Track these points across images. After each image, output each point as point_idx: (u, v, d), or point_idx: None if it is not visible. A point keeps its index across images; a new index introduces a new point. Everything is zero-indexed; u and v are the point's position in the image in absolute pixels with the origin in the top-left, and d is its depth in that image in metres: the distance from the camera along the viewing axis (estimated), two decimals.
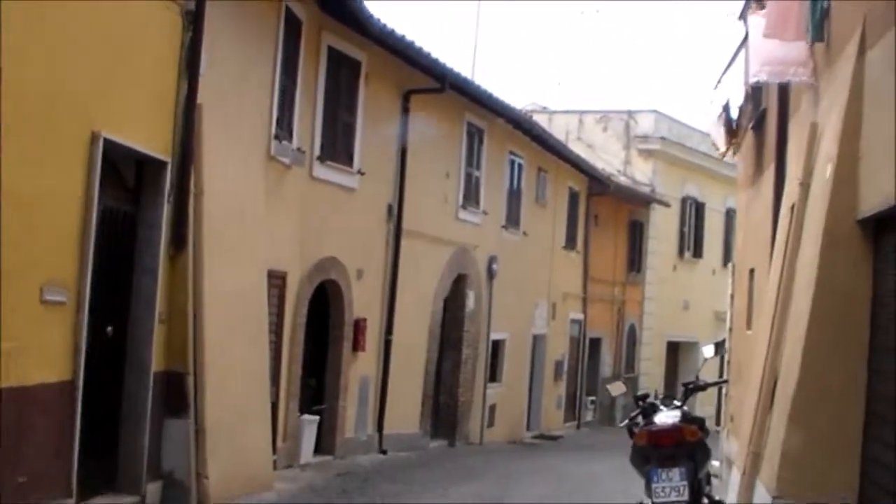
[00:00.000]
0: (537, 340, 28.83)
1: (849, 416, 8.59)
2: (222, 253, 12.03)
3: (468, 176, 23.07)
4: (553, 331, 29.86)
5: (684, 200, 39.15)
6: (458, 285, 23.13)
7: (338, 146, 17.57)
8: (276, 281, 15.30)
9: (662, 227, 37.76)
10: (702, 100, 73.74)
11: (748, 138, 17.04)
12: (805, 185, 10.25)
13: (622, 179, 34.98)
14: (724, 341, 10.29)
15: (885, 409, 8.21)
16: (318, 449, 17.43)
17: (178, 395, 11.12)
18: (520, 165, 26.48)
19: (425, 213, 20.93)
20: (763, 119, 15.93)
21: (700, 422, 9.21)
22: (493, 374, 25.60)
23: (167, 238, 11.08)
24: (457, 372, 23.27)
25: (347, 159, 17.84)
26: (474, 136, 23.36)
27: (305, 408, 16.89)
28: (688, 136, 39.20)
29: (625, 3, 70.93)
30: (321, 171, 16.94)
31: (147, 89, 10.73)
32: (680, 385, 10.00)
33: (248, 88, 13.43)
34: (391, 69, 19.09)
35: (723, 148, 17.41)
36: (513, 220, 26.19)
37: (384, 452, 19.41)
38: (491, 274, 24.57)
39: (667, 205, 36.97)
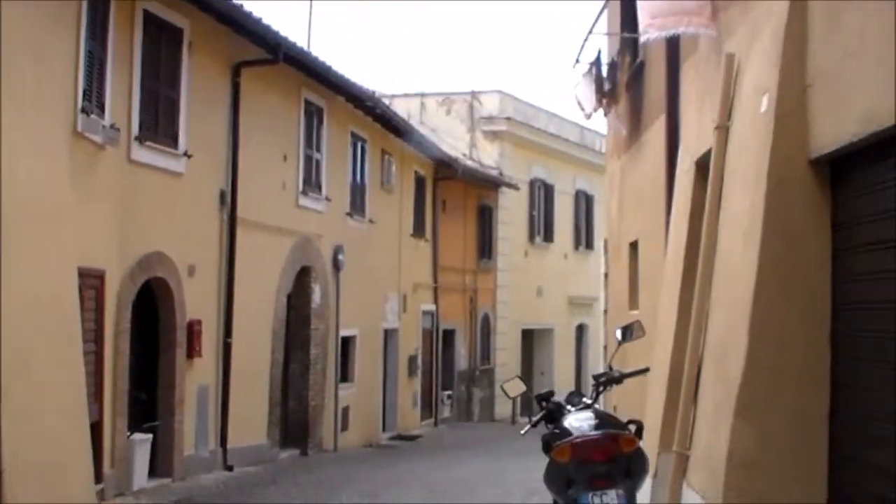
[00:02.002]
0: (389, 335, 26.92)
1: (811, 404, 6.87)
2: (13, 247, 9.81)
3: (308, 159, 21.04)
4: (405, 324, 27.98)
5: (533, 183, 37.87)
6: (303, 279, 21.09)
7: (160, 125, 15.43)
8: (92, 280, 13.11)
9: (512, 212, 36.34)
10: (548, 78, 72.98)
11: (621, 100, 15.37)
12: (723, 129, 8.49)
13: (469, 163, 33.28)
14: (635, 323, 8.34)
15: (855, 393, 6.54)
16: (154, 471, 15.39)
17: None
18: (363, 148, 24.54)
19: (262, 200, 18.86)
20: (640, 73, 14.29)
21: (637, 425, 7.35)
22: (345, 374, 23.61)
23: None
24: (305, 374, 21.22)
25: (171, 140, 15.72)
26: (313, 115, 21.34)
27: (136, 426, 14.77)
28: (534, 116, 38.15)
29: None
30: (141, 152, 14.80)
31: None
32: (590, 378, 8.11)
33: (44, 49, 11.17)
34: (218, 38, 17.06)
35: (589, 108, 15.70)
36: (358, 206, 24.22)
37: (230, 469, 17.33)
38: (337, 265, 22.57)
39: (516, 188, 35.57)
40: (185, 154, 15.94)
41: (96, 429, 13.03)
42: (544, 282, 38.15)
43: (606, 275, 17.96)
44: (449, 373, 32.45)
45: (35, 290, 10.26)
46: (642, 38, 10.27)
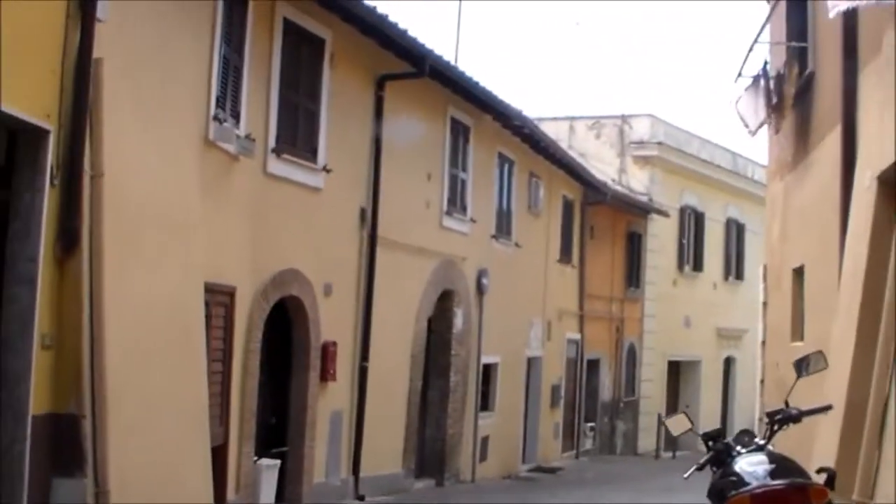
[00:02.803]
0: (532, 363, 25.99)
1: None
2: (135, 257, 9.24)
3: (453, 178, 20.30)
4: (549, 352, 27.03)
5: (683, 210, 36.62)
6: (444, 302, 20.31)
7: (298, 137, 14.81)
8: (222, 297, 12.51)
9: (661, 239, 35.15)
10: (700, 103, 71.52)
11: (788, 115, 14.29)
12: None
13: (618, 188, 32.27)
14: (816, 354, 7.29)
15: None
16: (282, 498, 14.73)
17: (69, 445, 8.24)
18: (510, 169, 23.76)
19: (405, 219, 18.14)
20: (809, 85, 13.23)
21: (828, 473, 6.34)
22: (485, 403, 22.76)
23: (52, 234, 8.25)
24: (444, 401, 20.42)
25: (310, 153, 15.09)
26: (459, 134, 20.61)
27: (263, 450, 14.11)
28: (686, 141, 36.94)
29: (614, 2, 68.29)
30: (278, 165, 14.18)
31: (18, 30, 7.88)
32: (763, 416, 7.12)
33: (174, 52, 10.60)
34: (362, 50, 16.36)
35: (754, 124, 14.64)
36: (504, 229, 23.42)
37: (361, 499, 16.60)
38: (481, 289, 21.78)
39: (666, 215, 34.37)
40: (325, 169, 15.32)
41: (221, 452, 12.46)
42: (692, 312, 36.80)
43: (765, 304, 16.82)
44: (592, 404, 31.37)
45: (156, 303, 9.67)
46: (831, 13, 9.26)
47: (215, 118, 11.81)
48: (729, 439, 6.98)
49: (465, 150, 20.89)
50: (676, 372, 37.12)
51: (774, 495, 5.88)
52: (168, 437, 9.66)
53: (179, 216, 10.41)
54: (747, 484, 6.15)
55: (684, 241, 36.81)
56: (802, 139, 13.69)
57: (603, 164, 33.23)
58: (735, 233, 40.09)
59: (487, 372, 22.76)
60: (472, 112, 20.82)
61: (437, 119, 19.64)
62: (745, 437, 7.01)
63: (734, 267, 39.83)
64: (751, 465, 6.40)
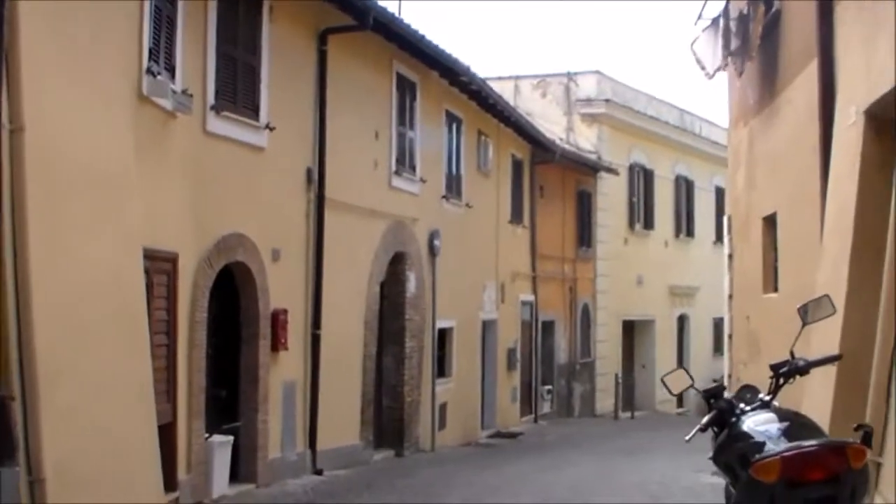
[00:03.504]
0: (487, 326, 25.32)
1: None
2: (64, 222, 8.43)
3: (401, 137, 19.55)
4: (503, 315, 26.38)
5: (632, 168, 36.20)
6: (396, 266, 19.60)
7: (238, 94, 14.02)
8: (163, 264, 11.70)
9: (611, 198, 34.67)
10: (645, 58, 70.88)
11: (752, 56, 13.63)
12: None
13: (566, 147, 31.61)
14: (822, 298, 6.59)
15: None
16: (236, 476, 14.03)
17: None
18: (458, 128, 23.03)
19: (353, 180, 17.40)
20: (776, 25, 12.57)
21: (865, 430, 5.65)
22: (442, 368, 22.11)
23: None
24: (400, 368, 19.71)
25: (252, 111, 14.30)
26: (405, 91, 19.83)
27: (215, 427, 13.34)
28: (633, 98, 36.56)
29: None
30: (218, 123, 13.40)
31: None
32: (767, 369, 6.46)
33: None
34: (302, 3, 15.56)
35: (712, 67, 13.99)
36: (454, 189, 22.71)
37: (319, 473, 15.87)
38: (433, 251, 21.07)
39: (615, 172, 33.87)
40: (268, 127, 14.53)
41: (169, 430, 11.67)
42: (645, 271, 36.41)
43: (730, 256, 16.22)
44: (548, 366, 30.79)
45: (91, 272, 8.86)
46: None
47: (148, 71, 10.97)
48: (729, 395, 6.35)
49: (412, 108, 20.13)
50: (631, 331, 36.75)
51: (806, 457, 5.22)
52: (110, 418, 8.88)
53: (113, 176, 9.59)
54: (761, 444, 5.50)
55: (634, 200, 36.42)
56: (769, 81, 13.05)
57: (549, 124, 32.52)
58: (685, 190, 39.73)
59: (443, 336, 22.10)
60: (419, 68, 20.07)
61: (383, 75, 18.86)
62: (748, 393, 6.37)
63: (685, 224, 39.51)
64: (760, 424, 5.76)
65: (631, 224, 36.01)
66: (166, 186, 11.84)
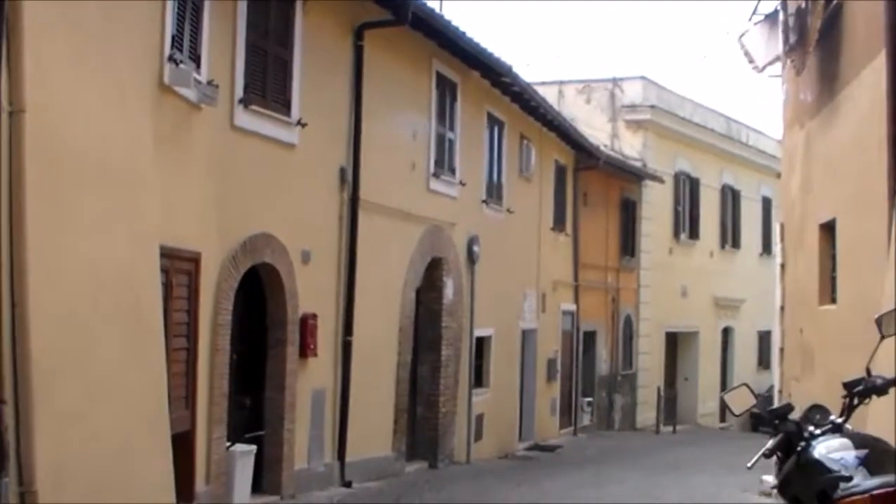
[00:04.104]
0: (527, 336, 24.60)
1: None
2: (70, 216, 7.82)
3: (440, 138, 18.90)
4: (544, 324, 25.65)
5: (677, 176, 35.38)
6: (433, 272, 18.92)
7: (268, 88, 13.41)
8: (184, 264, 11.12)
9: (656, 206, 33.87)
10: (692, 66, 69.97)
11: (809, 53, 12.88)
12: None
13: (611, 154, 30.89)
14: None
15: None
16: (259, 488, 13.42)
17: None
18: (500, 131, 22.37)
19: (389, 180, 16.75)
20: (836, 18, 11.82)
21: None
22: (479, 378, 21.40)
23: None
24: (436, 377, 19.02)
25: (283, 106, 13.70)
26: (445, 90, 19.19)
27: (237, 436, 12.74)
28: (679, 105, 35.77)
29: None
30: (246, 118, 12.79)
31: None
32: (840, 389, 5.73)
33: None
34: None
35: (762, 61, 13.25)
36: (494, 194, 22.02)
37: (348, 485, 15.23)
38: (472, 258, 20.39)
39: (661, 180, 33.06)
40: (299, 123, 13.91)
41: (187, 438, 11.14)
42: (689, 282, 35.58)
43: (783, 265, 15.44)
44: (589, 378, 30.02)
45: (99, 271, 8.23)
46: None
47: (171, 59, 10.37)
48: (799, 418, 5.63)
49: (452, 109, 19.48)
50: (674, 343, 35.94)
51: None
52: (116, 425, 8.24)
53: (128, 169, 8.98)
54: (840, 477, 4.79)
55: (679, 209, 35.65)
56: (828, 79, 12.30)
57: (594, 130, 31.75)
58: (731, 199, 38.94)
59: (480, 345, 21.40)
60: (459, 68, 19.43)
61: (422, 73, 18.22)
62: (817, 413, 5.64)
63: (730, 235, 38.73)
64: (834, 451, 5.04)
65: (676, 234, 35.22)
66: (189, 182, 11.25)
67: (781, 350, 15.42)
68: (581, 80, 34.34)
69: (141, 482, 8.69)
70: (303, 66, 14.06)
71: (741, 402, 5.91)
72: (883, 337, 5.79)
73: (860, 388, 5.59)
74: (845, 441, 5.12)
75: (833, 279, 12.18)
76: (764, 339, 40.72)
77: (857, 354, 10.38)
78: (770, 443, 5.45)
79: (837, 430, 5.36)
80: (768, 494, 15.47)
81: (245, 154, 12.76)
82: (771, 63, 13.49)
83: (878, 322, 5.81)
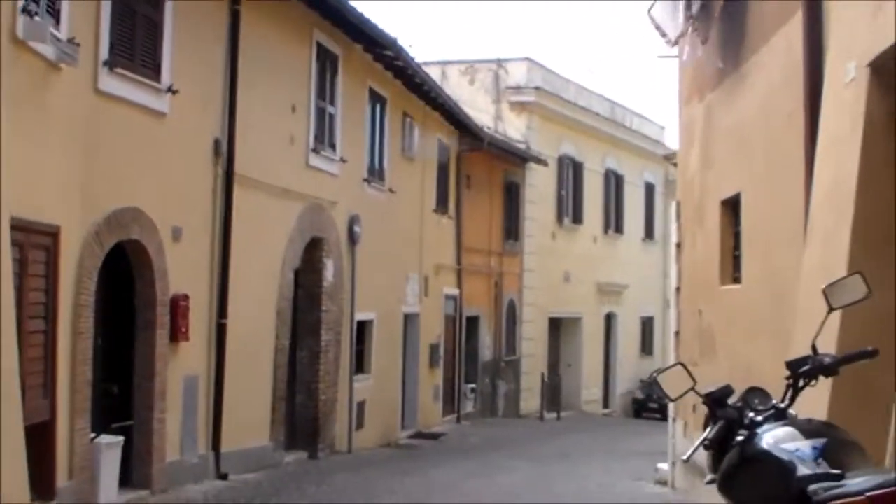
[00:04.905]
0: (409, 320, 23.84)
1: None
2: None
3: (320, 112, 18.02)
4: (426, 309, 24.92)
5: (561, 160, 35.03)
6: (313, 252, 18.05)
7: (137, 50, 12.44)
8: (41, 238, 10.14)
9: (540, 190, 33.44)
10: (576, 47, 69.79)
11: (714, 21, 12.29)
12: None
13: (495, 135, 30.25)
14: (852, 278, 5.11)
15: None
16: (128, 482, 12.51)
17: None
18: (382, 107, 21.55)
19: (266, 155, 15.86)
20: None
21: None
22: (360, 364, 20.59)
23: None
24: (315, 363, 18.14)
25: (152, 71, 12.74)
26: (326, 63, 18.32)
27: (103, 426, 11.77)
28: (564, 87, 35.45)
29: None
30: (111, 82, 11.83)
31: None
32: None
33: None
34: None
35: (674, 34, 12.66)
36: (376, 173, 21.22)
37: (224, 477, 14.36)
38: (353, 238, 19.56)
39: (545, 163, 32.62)
40: (170, 90, 12.96)
41: (45, 430, 10.22)
42: (572, 267, 35.24)
43: (679, 245, 14.88)
44: (472, 364, 29.36)
45: None
46: None
47: (24, 10, 9.37)
48: (733, 400, 4.92)
49: (332, 82, 18.62)
50: (557, 329, 35.65)
51: None
52: None
53: None
54: (791, 469, 4.10)
55: (563, 192, 35.34)
56: (734, 47, 11.70)
57: (478, 112, 31.08)
58: (614, 184, 38.79)
59: (362, 330, 20.60)
60: (341, 40, 18.63)
61: (302, 44, 17.34)
62: (755, 397, 4.93)
63: (614, 220, 38.48)
64: (785, 441, 4.33)
65: (559, 218, 34.85)
66: (48, 149, 10.27)
67: (677, 334, 14.84)
68: (465, 61, 33.88)
69: None
70: (174, 28, 13.08)
71: (678, 384, 5.18)
72: (832, 309, 5.10)
73: (806, 367, 4.88)
74: (791, 430, 4.43)
75: (736, 258, 11.62)
76: (647, 324, 40.73)
77: (765, 335, 9.82)
78: (709, 430, 4.74)
79: (781, 416, 4.66)
80: (663, 483, 14.98)
81: (111, 121, 11.79)
82: (683, 35, 12.90)
83: (826, 293, 5.12)
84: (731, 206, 11.73)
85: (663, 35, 13.00)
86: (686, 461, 4.98)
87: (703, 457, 4.89)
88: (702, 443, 4.73)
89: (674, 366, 5.25)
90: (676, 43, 13.08)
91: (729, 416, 4.71)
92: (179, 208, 13.36)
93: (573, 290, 35.34)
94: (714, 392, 4.86)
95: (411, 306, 23.86)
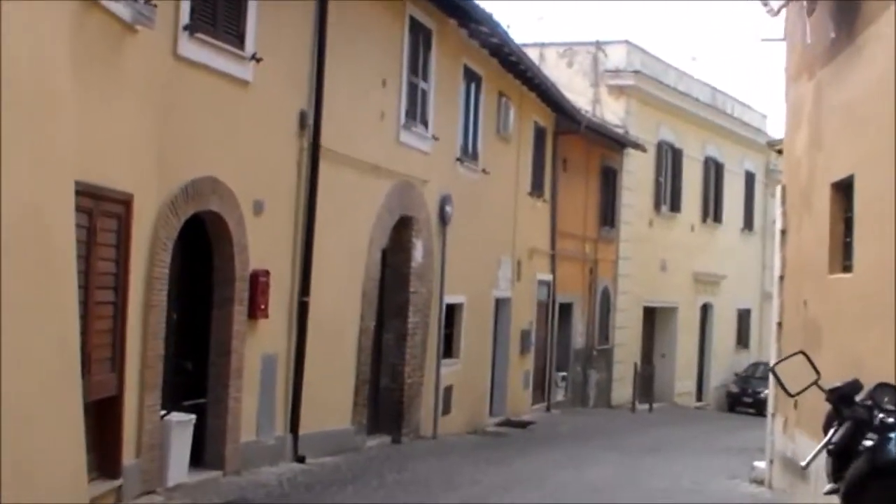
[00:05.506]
0: (500, 305, 23.26)
1: None
2: None
3: (412, 87, 17.49)
4: (518, 294, 24.32)
5: (660, 146, 34.28)
6: (402, 231, 17.53)
7: (219, 15, 12.00)
8: (112, 206, 9.70)
9: (637, 176, 32.72)
10: (677, 32, 68.61)
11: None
12: None
13: (593, 119, 29.53)
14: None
15: None
16: (200, 461, 12.07)
17: None
18: (477, 86, 20.98)
19: (355, 129, 15.37)
20: None
21: None
22: (448, 349, 20.08)
23: None
24: (401, 346, 17.65)
25: (235, 37, 12.27)
26: (419, 37, 17.79)
27: (175, 403, 11.37)
28: (663, 72, 34.70)
29: None
30: (192, 48, 11.38)
31: None
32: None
33: None
34: None
35: (778, 2, 11.91)
36: (470, 152, 20.65)
37: (301, 460, 13.91)
38: (444, 218, 19.01)
39: (643, 149, 31.84)
40: (254, 58, 12.48)
41: (113, 406, 9.85)
42: (669, 255, 34.51)
43: (784, 232, 14.11)
44: (564, 352, 28.73)
45: None
46: None
47: None
48: (861, 397, 4.29)
49: (426, 58, 18.07)
50: (652, 319, 34.99)
51: None
52: (7, 392, 6.82)
53: (36, 90, 7.52)
54: None
55: (661, 179, 34.64)
56: (847, 19, 10.93)
57: (575, 95, 30.40)
58: (713, 172, 37.88)
59: (451, 313, 20.07)
60: (435, 14, 18.12)
61: (395, 16, 16.83)
62: (885, 395, 4.29)
63: (712, 209, 37.59)
64: None
65: (657, 205, 34.14)
66: (122, 114, 9.84)
67: (779, 325, 14.07)
68: (563, 44, 33.38)
69: (44, 457, 7.27)
70: None
71: (797, 376, 4.55)
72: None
73: None
74: None
75: (847, 245, 10.86)
76: (743, 317, 39.81)
77: (878, 328, 9.07)
78: (834, 433, 4.10)
79: None
80: (759, 482, 14.26)
81: (190, 88, 11.35)
82: (786, 4, 12.14)
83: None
84: (843, 190, 10.97)
85: (765, 4, 12.25)
86: (805, 468, 4.36)
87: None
88: (825, 447, 4.11)
89: (794, 354, 4.65)
90: (779, 13, 12.31)
91: (858, 417, 4.08)
92: (262, 181, 12.89)
93: (669, 280, 34.59)
94: (841, 387, 4.25)
95: (503, 290, 23.28)
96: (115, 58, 9.66)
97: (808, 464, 4.32)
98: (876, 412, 4.15)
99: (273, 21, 12.94)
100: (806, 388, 4.56)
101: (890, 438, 3.93)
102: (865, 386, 4.48)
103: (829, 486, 4.25)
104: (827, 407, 4.50)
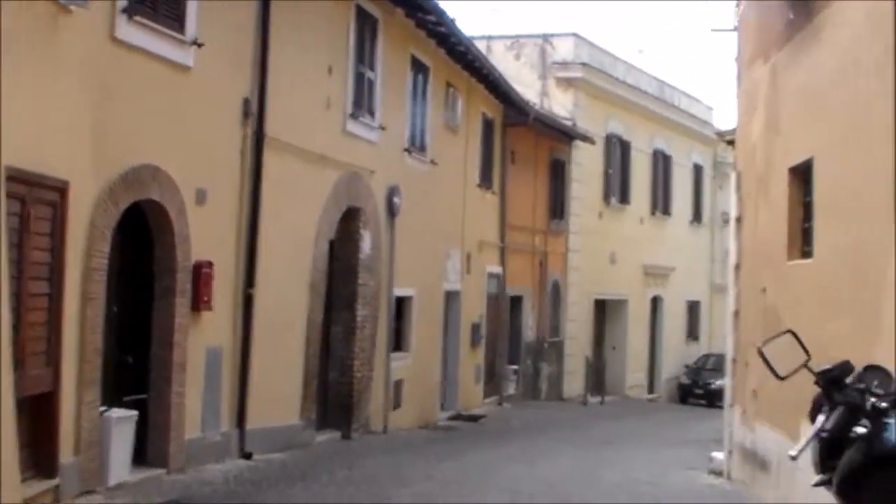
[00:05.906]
0: (450, 298, 22.95)
1: None
2: None
3: (359, 77, 17.14)
4: (468, 286, 24.02)
5: (608, 138, 34.19)
6: (349, 223, 17.18)
7: (159, 0, 11.54)
8: (46, 193, 9.34)
9: (586, 168, 32.57)
10: (625, 25, 68.58)
11: None
12: None
13: (541, 111, 29.30)
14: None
15: None
16: (143, 459, 11.70)
17: None
18: (425, 77, 20.65)
19: (300, 118, 15.01)
20: None
21: None
22: (398, 342, 19.76)
23: None
24: (350, 339, 17.30)
25: (175, 21, 11.88)
26: (366, 26, 17.44)
27: (116, 399, 10.97)
28: (611, 64, 34.54)
29: None
30: (130, 31, 10.99)
31: None
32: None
33: None
34: None
35: None
36: (418, 143, 20.31)
37: (248, 457, 13.56)
38: (392, 210, 18.69)
39: (591, 141, 31.70)
40: (195, 43, 12.09)
41: (47, 402, 9.40)
42: (618, 248, 34.42)
43: (738, 219, 13.89)
44: (515, 345, 28.53)
45: None
46: None
47: None
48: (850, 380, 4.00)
49: (372, 47, 17.72)
50: (602, 311, 34.79)
51: None
52: None
53: None
54: None
55: (610, 172, 34.59)
56: (801, 7, 10.73)
57: (523, 87, 30.06)
58: (662, 165, 37.81)
59: (400, 306, 19.77)
60: (382, 2, 17.73)
61: (341, 3, 16.46)
62: (874, 378, 4.01)
63: (661, 201, 37.54)
64: None
65: (606, 198, 34.03)
66: (56, 97, 9.46)
67: (736, 314, 13.86)
68: (511, 36, 33.15)
69: None
70: None
71: (786, 357, 4.26)
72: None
73: None
74: None
75: (806, 230, 10.64)
76: (693, 309, 39.81)
77: (842, 313, 8.84)
78: (825, 419, 3.80)
79: None
80: (718, 473, 14.05)
81: (129, 72, 10.96)
82: None
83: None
84: (802, 174, 10.75)
85: None
86: (795, 458, 4.04)
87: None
88: (818, 434, 3.81)
89: (783, 334, 4.34)
90: None
91: (851, 401, 3.79)
92: (204, 169, 12.52)
93: (619, 272, 34.48)
94: (831, 370, 3.95)
95: (453, 283, 22.98)
96: (48, 38, 9.28)
97: (799, 453, 4.02)
98: (867, 397, 3.88)
99: (215, 5, 12.56)
100: (795, 371, 4.27)
101: (887, 425, 3.64)
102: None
103: (818, 478, 3.96)
104: (809, 391, 4.23)
